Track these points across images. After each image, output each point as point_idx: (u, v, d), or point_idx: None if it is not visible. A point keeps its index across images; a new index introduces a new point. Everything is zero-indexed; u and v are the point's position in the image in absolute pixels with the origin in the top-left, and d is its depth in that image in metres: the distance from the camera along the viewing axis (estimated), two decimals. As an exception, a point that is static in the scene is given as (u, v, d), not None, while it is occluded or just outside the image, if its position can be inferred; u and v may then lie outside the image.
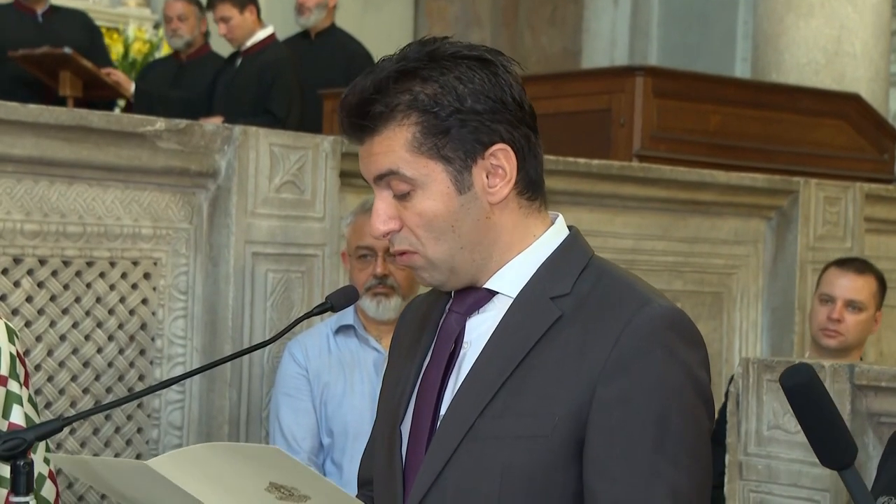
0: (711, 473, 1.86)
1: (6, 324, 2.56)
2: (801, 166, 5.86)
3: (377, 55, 2.07)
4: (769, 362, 3.31)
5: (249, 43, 6.98)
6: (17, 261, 3.60)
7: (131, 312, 3.81)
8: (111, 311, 3.77)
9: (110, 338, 3.78)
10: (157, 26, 9.67)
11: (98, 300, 3.75)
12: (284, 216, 3.96)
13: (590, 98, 5.81)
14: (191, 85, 7.24)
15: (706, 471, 1.84)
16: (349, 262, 3.82)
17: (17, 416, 2.51)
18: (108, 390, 3.78)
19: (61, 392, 3.69)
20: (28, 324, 3.63)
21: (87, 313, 3.73)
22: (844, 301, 4.38)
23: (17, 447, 1.86)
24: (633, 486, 1.78)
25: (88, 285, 3.73)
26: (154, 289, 3.84)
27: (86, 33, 7.36)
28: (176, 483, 1.72)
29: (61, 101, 6.59)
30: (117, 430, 3.81)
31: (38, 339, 3.65)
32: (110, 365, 3.78)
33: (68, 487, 3.67)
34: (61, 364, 3.69)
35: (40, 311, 3.65)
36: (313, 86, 6.82)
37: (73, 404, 3.70)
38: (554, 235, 1.93)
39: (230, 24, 6.95)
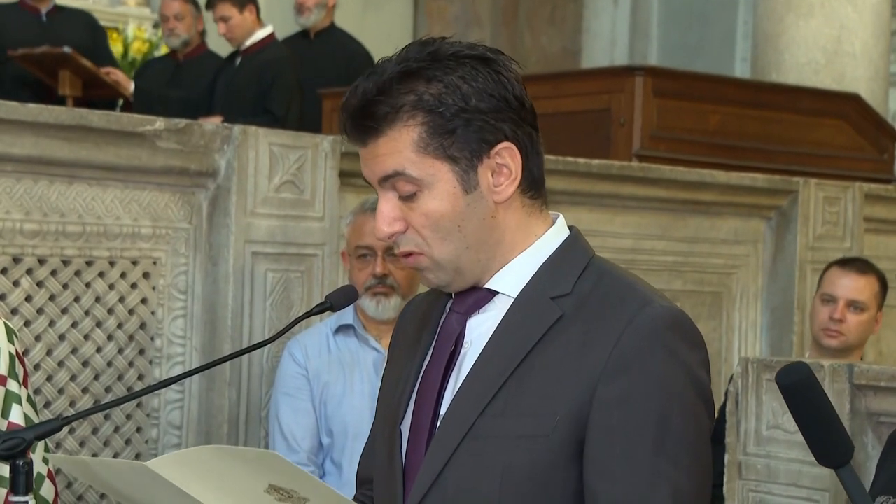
0: (712, 473, 1.87)
1: (5, 323, 2.56)
2: (800, 166, 5.86)
3: (377, 55, 2.07)
4: (768, 362, 3.31)
5: (249, 42, 6.98)
6: (16, 260, 3.60)
7: (130, 312, 3.81)
8: (110, 311, 3.77)
9: (109, 337, 3.78)
10: (156, 26, 9.67)
11: (97, 300, 3.75)
12: (284, 216, 3.96)
13: (589, 98, 5.81)
14: (188, 84, 7.24)
15: (706, 471, 1.84)
16: (349, 262, 3.82)
17: (17, 416, 2.51)
18: (108, 390, 3.78)
19: (60, 391, 3.69)
20: (27, 323, 3.63)
21: (87, 313, 3.73)
22: (846, 301, 4.39)
23: (16, 447, 1.86)
24: (633, 487, 1.78)
25: (88, 285, 3.73)
26: (153, 288, 3.84)
27: (89, 33, 7.36)
28: (175, 484, 1.72)
29: (61, 101, 6.59)
30: (116, 429, 3.81)
31: (38, 338, 3.65)
32: (109, 364, 3.78)
33: (67, 487, 3.66)
34: (60, 363, 3.69)
35: (39, 311, 3.65)
36: (313, 85, 6.82)
37: (72, 404, 3.70)
38: (555, 235, 1.93)
39: (230, 24, 6.95)
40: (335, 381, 3.71)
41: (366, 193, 3.92)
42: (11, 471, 1.85)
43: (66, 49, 6.74)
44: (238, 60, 7.02)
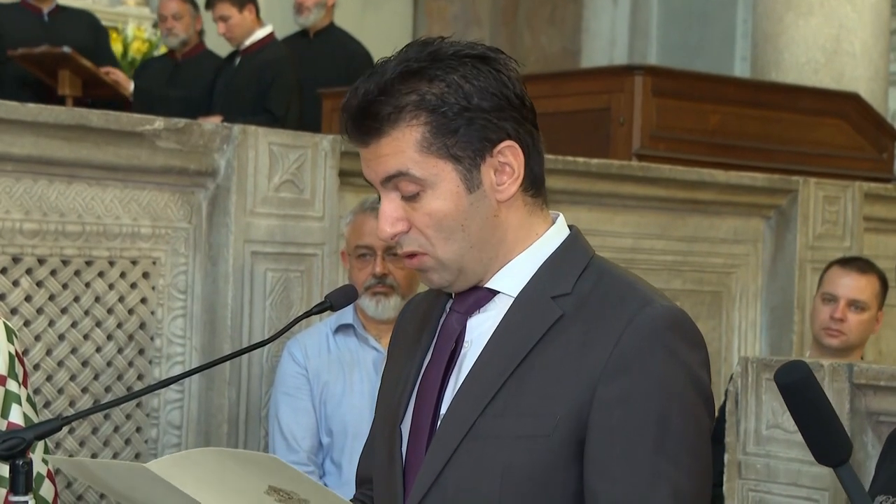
0: (712, 473, 1.87)
1: (5, 323, 2.56)
2: (800, 165, 5.85)
3: (376, 54, 2.07)
4: (768, 361, 3.30)
5: (248, 42, 6.98)
6: (15, 260, 3.60)
7: (130, 312, 3.81)
8: (110, 311, 3.77)
9: (109, 337, 3.78)
10: (156, 25, 9.66)
11: (97, 299, 3.75)
12: (283, 215, 3.96)
13: (589, 97, 5.80)
14: (186, 84, 7.24)
15: (707, 470, 1.84)
16: (348, 262, 3.82)
17: (16, 416, 2.51)
18: (107, 389, 3.78)
19: (60, 391, 3.69)
20: (27, 323, 3.63)
21: (86, 312, 3.73)
22: (847, 301, 4.39)
23: (16, 446, 1.86)
24: (633, 487, 1.77)
25: (87, 284, 3.73)
26: (153, 288, 3.84)
27: (92, 33, 7.36)
28: (175, 485, 1.72)
29: (61, 101, 6.59)
30: (116, 429, 3.81)
31: (37, 338, 3.65)
32: (109, 364, 3.78)
33: (67, 487, 3.66)
34: (60, 363, 3.69)
35: (39, 311, 3.65)
36: (312, 85, 6.82)
37: (71, 403, 3.70)
38: (555, 234, 1.93)
39: (229, 23, 6.95)
40: (335, 381, 3.71)
41: (365, 193, 3.92)
42: (11, 471, 1.85)
43: (66, 49, 6.74)
44: (237, 60, 7.02)
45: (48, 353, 3.67)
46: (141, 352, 3.83)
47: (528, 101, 1.90)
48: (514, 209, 1.89)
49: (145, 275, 3.82)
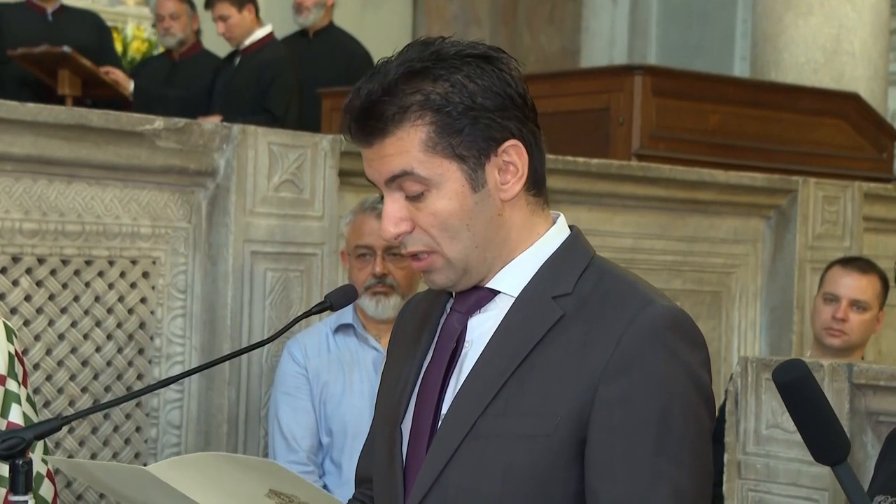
0: (713, 473, 1.87)
1: (4, 322, 2.56)
2: (799, 165, 5.86)
3: (376, 54, 2.07)
4: (768, 361, 3.31)
5: (248, 42, 6.98)
6: (15, 259, 3.60)
7: (130, 311, 3.81)
8: (110, 310, 3.77)
9: (109, 337, 3.78)
10: (155, 25, 9.66)
11: (97, 299, 3.75)
12: (283, 215, 3.96)
13: (589, 97, 5.80)
14: (184, 83, 7.24)
15: (708, 470, 1.84)
16: (348, 261, 3.82)
17: (16, 415, 2.51)
18: (107, 389, 3.78)
19: (60, 391, 3.69)
20: (27, 323, 3.62)
21: (86, 312, 3.73)
22: (849, 300, 4.39)
23: (15, 446, 1.86)
24: (634, 486, 1.77)
25: (87, 284, 3.73)
26: (153, 288, 3.84)
27: (96, 33, 7.36)
28: (175, 487, 1.72)
29: (61, 101, 6.59)
30: (116, 429, 3.81)
31: (37, 337, 3.65)
32: (109, 364, 3.78)
33: (66, 486, 3.66)
34: (60, 363, 3.69)
35: (39, 310, 3.65)
36: (312, 85, 6.82)
37: (71, 403, 3.70)
38: (556, 234, 1.93)
39: (229, 23, 6.94)
40: (335, 381, 3.71)
41: (365, 193, 3.92)
42: (11, 470, 1.85)
43: (66, 48, 6.74)
44: (237, 60, 7.02)
45: (48, 352, 3.67)
46: (140, 351, 3.83)
47: (530, 101, 1.90)
48: (518, 208, 1.89)
49: (145, 274, 3.82)
